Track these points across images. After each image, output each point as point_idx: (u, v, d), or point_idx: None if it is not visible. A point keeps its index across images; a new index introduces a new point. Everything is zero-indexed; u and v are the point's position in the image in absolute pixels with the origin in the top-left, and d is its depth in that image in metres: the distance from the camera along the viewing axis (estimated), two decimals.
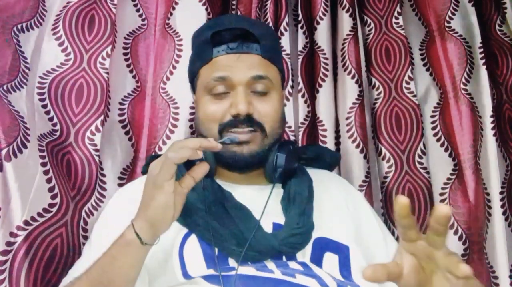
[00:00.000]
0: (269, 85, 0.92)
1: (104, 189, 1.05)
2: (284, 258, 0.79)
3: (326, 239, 0.84)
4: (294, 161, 0.93)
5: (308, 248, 0.82)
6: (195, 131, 1.17)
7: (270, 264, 0.76)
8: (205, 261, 0.78)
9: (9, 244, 0.84)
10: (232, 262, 0.77)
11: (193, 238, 0.81)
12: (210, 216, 0.81)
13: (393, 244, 0.94)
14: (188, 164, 0.91)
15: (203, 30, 1.00)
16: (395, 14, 1.35)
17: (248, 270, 0.73)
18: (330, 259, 0.81)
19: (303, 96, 1.27)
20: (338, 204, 0.94)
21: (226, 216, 0.82)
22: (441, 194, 1.28)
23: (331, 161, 1.08)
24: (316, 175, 0.98)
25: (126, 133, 1.14)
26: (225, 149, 0.86)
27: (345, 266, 0.81)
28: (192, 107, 1.17)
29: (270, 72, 0.93)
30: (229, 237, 0.79)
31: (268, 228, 0.82)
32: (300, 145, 1.24)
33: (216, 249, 0.78)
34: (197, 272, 0.74)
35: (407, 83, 1.29)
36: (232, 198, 0.87)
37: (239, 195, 0.87)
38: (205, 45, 0.93)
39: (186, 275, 0.76)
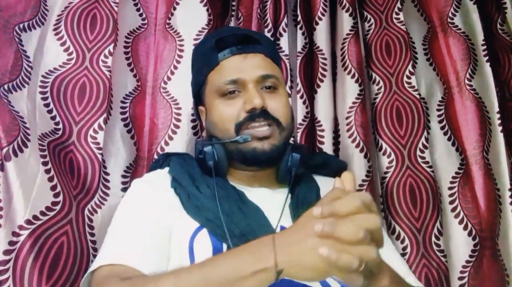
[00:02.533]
0: (277, 82, 0.95)
1: (108, 188, 1.04)
2: None
3: None
4: (304, 163, 0.95)
5: None
6: (197, 131, 1.17)
7: None
8: (213, 255, 0.78)
9: (12, 243, 0.82)
10: None
11: (204, 232, 0.81)
12: (223, 213, 0.82)
13: (391, 250, 0.97)
14: (203, 166, 0.91)
15: (206, 40, 1.04)
16: (396, 10, 1.36)
17: None
18: None
19: (301, 97, 1.27)
20: None
21: (239, 213, 0.83)
22: (450, 188, 1.27)
23: (337, 168, 1.09)
24: (323, 182, 0.99)
25: (128, 131, 1.14)
26: (244, 146, 0.89)
27: None
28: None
29: (275, 70, 0.97)
30: (239, 234, 0.79)
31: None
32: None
33: (226, 246, 0.79)
34: None
35: (408, 77, 1.29)
36: (246, 197, 0.88)
37: (252, 196, 0.89)
38: (210, 51, 0.96)
39: None
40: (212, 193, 0.86)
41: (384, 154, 1.24)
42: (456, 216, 1.24)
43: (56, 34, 1.08)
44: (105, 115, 1.05)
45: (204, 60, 0.99)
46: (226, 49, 0.94)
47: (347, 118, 1.26)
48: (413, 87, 1.28)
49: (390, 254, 0.92)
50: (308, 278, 0.60)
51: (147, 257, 0.77)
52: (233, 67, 0.93)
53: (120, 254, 0.77)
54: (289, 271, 0.59)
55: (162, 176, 0.95)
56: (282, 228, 0.83)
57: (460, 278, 1.18)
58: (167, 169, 0.97)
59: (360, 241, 0.57)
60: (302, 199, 0.90)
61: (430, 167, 1.22)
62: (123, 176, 1.09)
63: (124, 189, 1.07)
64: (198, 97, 1.02)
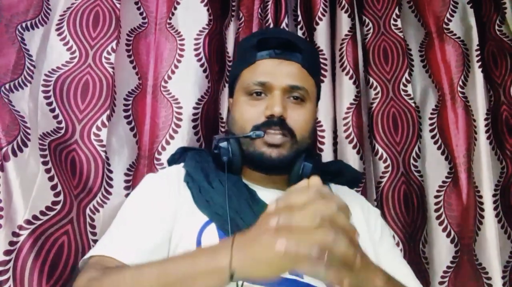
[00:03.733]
0: (305, 95, 0.95)
1: (111, 186, 1.04)
2: None
3: None
4: (318, 172, 0.93)
5: None
6: (198, 131, 1.17)
7: None
8: None
9: (12, 243, 0.82)
10: None
11: (212, 227, 0.83)
12: (232, 209, 0.83)
13: (392, 253, 0.96)
14: (218, 162, 0.92)
15: (250, 37, 1.06)
16: (394, 16, 1.36)
17: None
18: None
19: None
20: (357, 221, 0.94)
21: (248, 211, 0.84)
22: (436, 196, 1.29)
23: (351, 178, 1.09)
24: (336, 190, 1.01)
25: (131, 129, 1.14)
26: (254, 149, 0.90)
27: None
28: (195, 108, 1.18)
29: (308, 83, 0.96)
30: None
31: None
32: None
33: None
34: None
35: (405, 85, 1.30)
36: (257, 196, 0.90)
37: (263, 195, 0.90)
38: (250, 49, 0.97)
39: None
40: (224, 189, 0.87)
41: (380, 159, 1.26)
42: (441, 224, 1.26)
43: (59, 35, 1.07)
44: (108, 112, 1.04)
45: (243, 56, 1.01)
46: (265, 51, 0.95)
47: (344, 119, 1.27)
48: (409, 95, 1.29)
49: (391, 258, 0.93)
50: (266, 275, 0.59)
51: (140, 253, 0.78)
52: (266, 70, 0.94)
53: (113, 247, 0.79)
54: (245, 269, 0.59)
55: (176, 171, 0.96)
56: None
57: (441, 283, 1.22)
58: (182, 164, 0.98)
59: (317, 228, 0.55)
60: None
61: (421, 176, 1.25)
62: (126, 174, 1.09)
63: (127, 188, 1.07)
64: (231, 89, 1.04)
